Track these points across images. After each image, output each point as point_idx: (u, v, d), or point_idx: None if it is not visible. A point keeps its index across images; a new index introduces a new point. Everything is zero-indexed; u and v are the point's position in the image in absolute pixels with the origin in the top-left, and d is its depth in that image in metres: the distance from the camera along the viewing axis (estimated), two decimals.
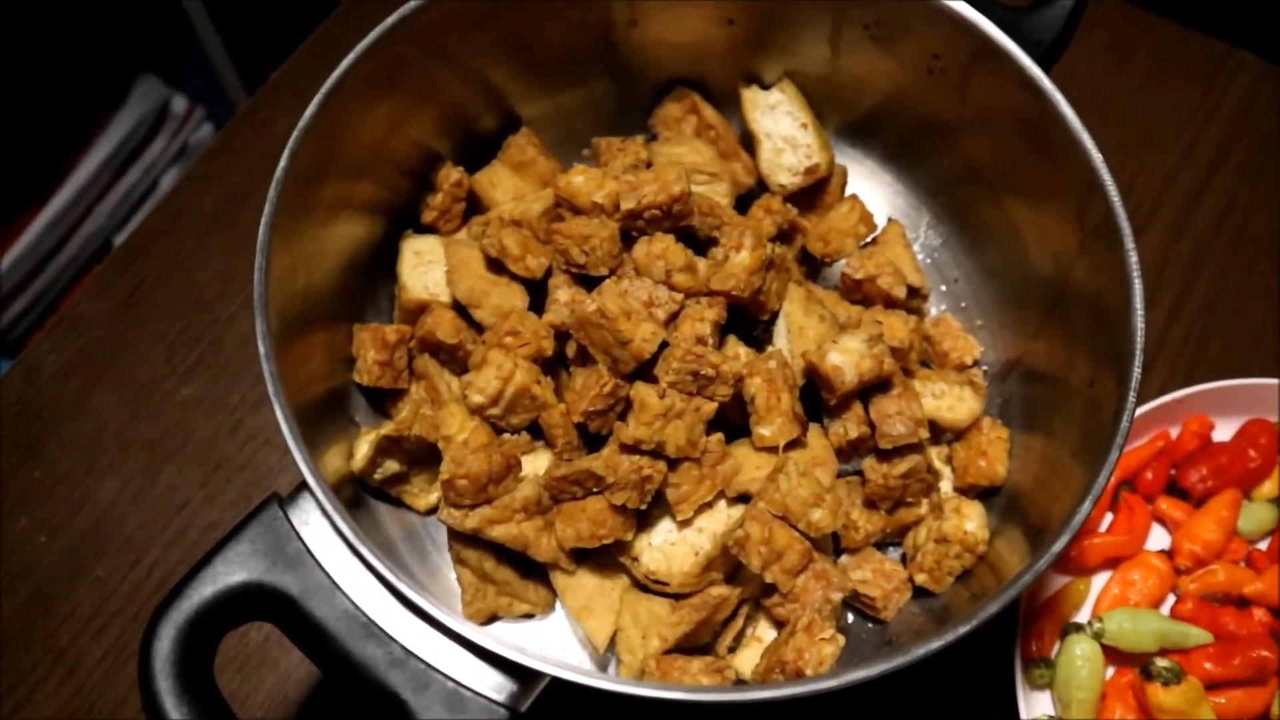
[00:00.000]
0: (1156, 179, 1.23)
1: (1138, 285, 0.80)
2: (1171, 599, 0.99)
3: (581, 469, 0.85)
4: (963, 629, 0.70)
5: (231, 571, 0.71)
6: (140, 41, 1.87)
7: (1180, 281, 1.17)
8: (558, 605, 0.93)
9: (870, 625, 0.94)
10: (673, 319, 0.90)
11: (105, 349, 1.11)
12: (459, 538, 0.90)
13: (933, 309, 1.07)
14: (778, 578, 0.84)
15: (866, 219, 1.02)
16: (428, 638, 0.71)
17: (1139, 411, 1.02)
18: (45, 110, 1.77)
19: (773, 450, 0.89)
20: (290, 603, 0.71)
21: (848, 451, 0.92)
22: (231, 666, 0.97)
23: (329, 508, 0.71)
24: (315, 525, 0.73)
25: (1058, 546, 0.72)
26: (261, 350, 0.75)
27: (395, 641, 0.70)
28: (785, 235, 1.04)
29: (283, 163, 0.82)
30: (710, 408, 0.86)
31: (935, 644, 0.69)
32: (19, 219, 1.75)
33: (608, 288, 0.87)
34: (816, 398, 0.91)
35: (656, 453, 0.85)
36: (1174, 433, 1.05)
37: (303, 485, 0.74)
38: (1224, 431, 1.05)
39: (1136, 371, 0.77)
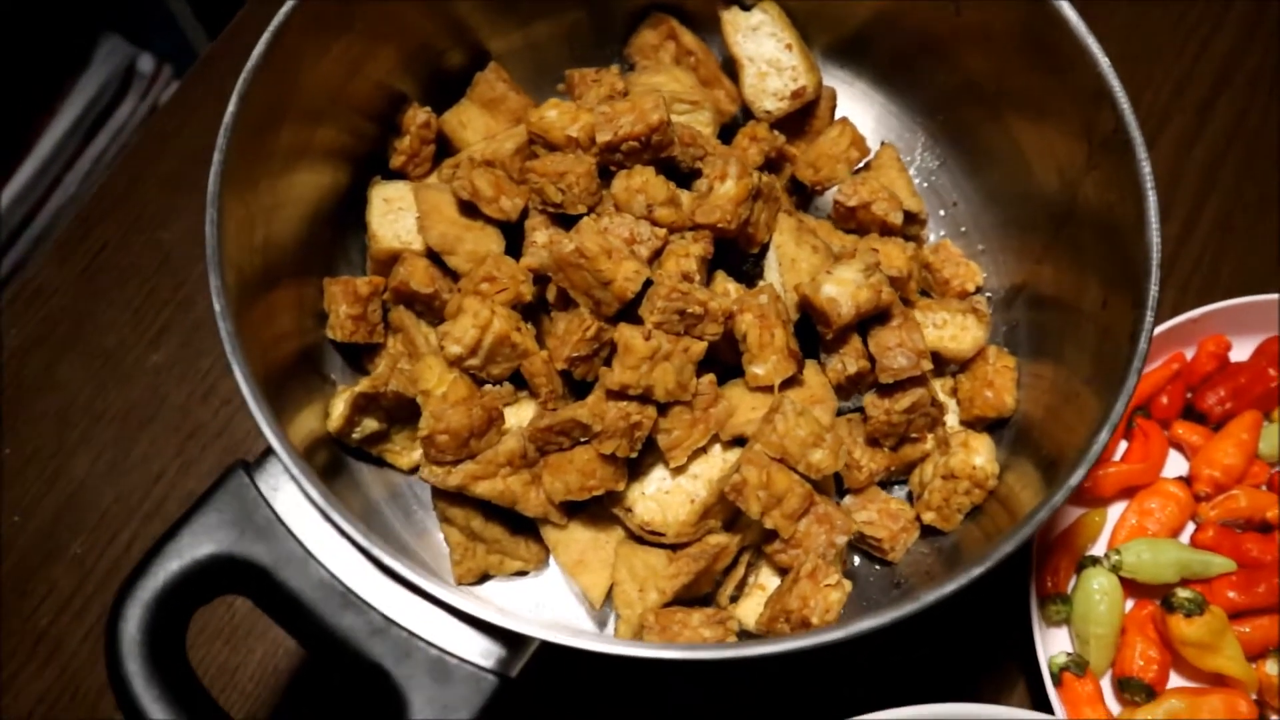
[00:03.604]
0: (1164, 92, 1.17)
1: (1152, 197, 0.75)
2: (1191, 527, 0.95)
3: (566, 418, 0.80)
4: (975, 571, 0.66)
5: (198, 544, 0.67)
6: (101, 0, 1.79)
7: (1191, 198, 1.12)
8: (552, 560, 0.89)
9: (878, 567, 0.90)
10: (656, 256, 0.85)
11: (69, 319, 1.06)
12: (444, 496, 0.86)
13: (931, 235, 1.02)
14: (778, 523, 0.80)
15: (858, 143, 0.97)
16: (409, 604, 0.67)
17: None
18: (4, 77, 1.70)
19: (768, 390, 0.84)
20: (263, 574, 0.67)
21: (847, 388, 0.87)
22: (219, 639, 0.94)
23: (296, 472, 0.66)
24: (285, 491, 0.69)
25: (1074, 480, 0.68)
26: (218, 308, 0.71)
27: (375, 610, 0.66)
28: (773, 164, 0.99)
29: (231, 107, 0.77)
30: (700, 347, 0.81)
31: (946, 589, 0.65)
32: None
33: (586, 225, 0.82)
34: (812, 333, 0.87)
35: (645, 397, 0.80)
36: (1189, 354, 1.00)
37: (270, 450, 0.69)
38: (1241, 351, 1.00)
39: (1154, 289, 0.72)
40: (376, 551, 0.64)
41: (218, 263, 0.72)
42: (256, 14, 1.20)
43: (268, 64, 0.78)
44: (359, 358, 0.95)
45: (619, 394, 0.80)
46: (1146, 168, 0.76)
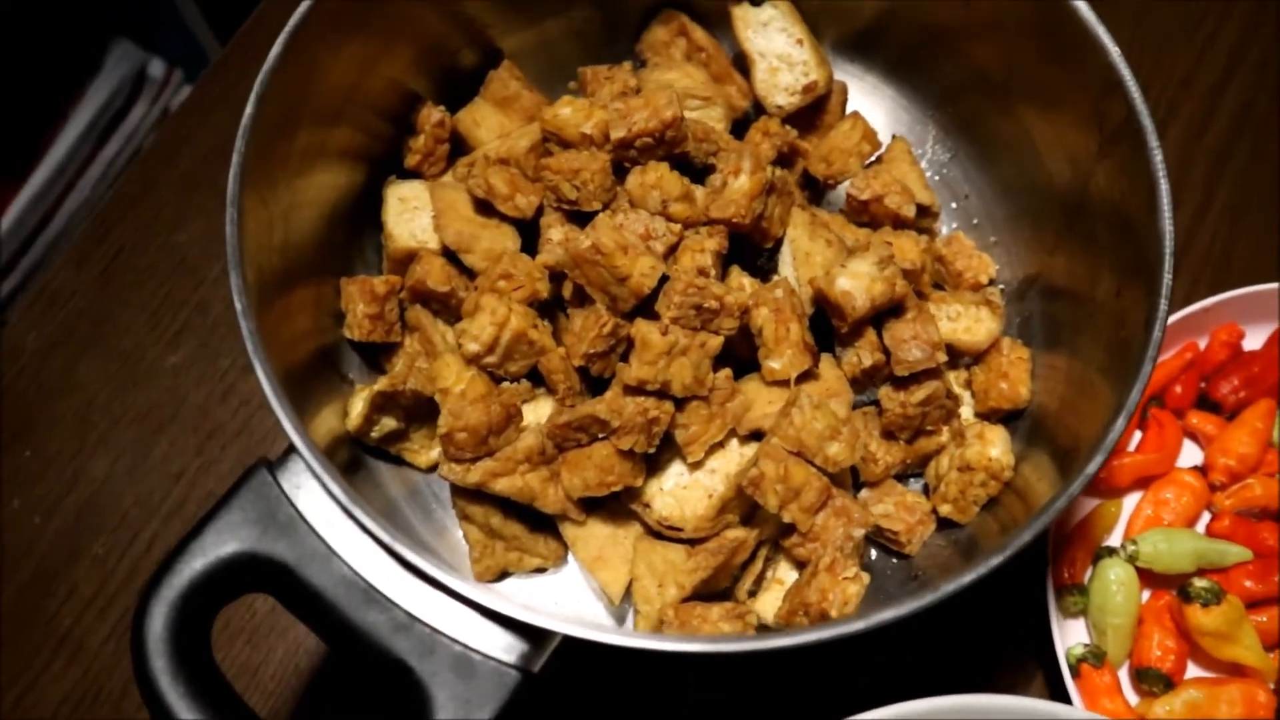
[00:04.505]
0: (1173, 80, 1.17)
1: (1164, 184, 0.75)
2: (1207, 517, 0.95)
3: (585, 414, 0.81)
4: (994, 561, 0.66)
5: (222, 543, 0.68)
6: (111, 5, 1.80)
7: (1202, 185, 1.12)
8: (571, 557, 0.90)
9: (894, 561, 0.90)
10: (671, 251, 0.86)
11: (87, 321, 1.07)
12: (463, 493, 0.86)
13: (943, 228, 1.02)
14: (796, 516, 0.81)
15: (870, 136, 0.97)
16: (432, 600, 0.67)
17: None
18: (17, 83, 1.72)
19: (784, 384, 0.85)
20: (286, 571, 0.68)
21: (863, 381, 0.88)
22: (240, 637, 0.95)
23: (318, 469, 0.67)
24: (308, 489, 0.70)
25: (1091, 468, 0.68)
26: (239, 306, 0.71)
27: (398, 606, 0.67)
28: (785, 159, 0.99)
29: (249, 108, 0.77)
30: (716, 342, 0.82)
31: (965, 578, 0.66)
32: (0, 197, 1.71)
33: (602, 222, 0.82)
34: (827, 326, 0.87)
35: (662, 393, 0.81)
36: (1202, 344, 1.00)
37: (292, 448, 0.70)
38: (1254, 339, 1.00)
39: (1167, 277, 0.72)
40: (399, 547, 0.65)
41: (238, 262, 0.72)
42: (269, 17, 1.21)
43: (284, 65, 0.79)
44: (376, 357, 0.96)
45: (636, 389, 0.81)
46: (1158, 155, 0.76)
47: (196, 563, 0.67)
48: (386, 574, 0.68)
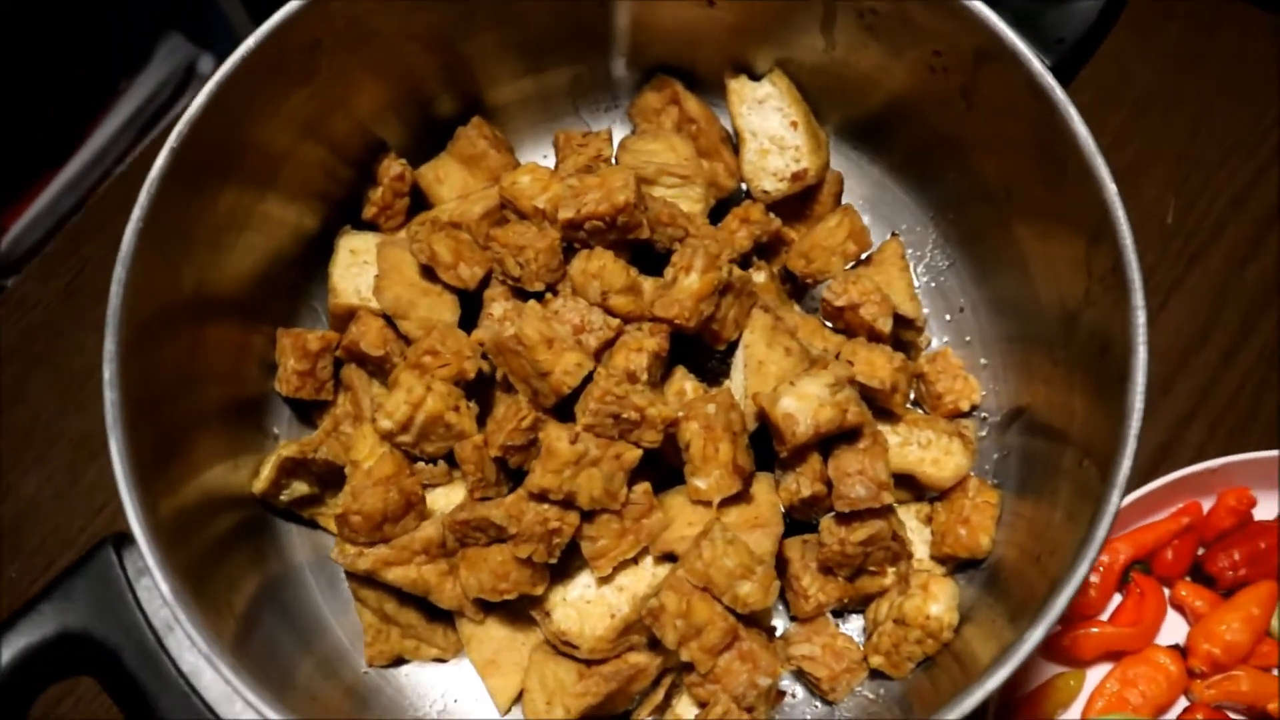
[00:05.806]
0: (1222, 199, 1.06)
1: (1142, 352, 0.66)
2: (1182, 703, 0.84)
3: (481, 516, 0.75)
4: None
5: (52, 621, 0.64)
6: None
7: (1239, 322, 1.01)
8: None
9: (818, 704, 0.83)
10: (608, 346, 0.79)
11: (44, 335, 1.05)
12: (356, 576, 0.81)
13: (934, 339, 0.93)
14: (695, 656, 0.73)
15: (857, 235, 0.89)
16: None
17: (1166, 479, 0.87)
18: (67, 71, 1.73)
19: (709, 504, 0.77)
20: (114, 658, 0.64)
21: (801, 510, 0.80)
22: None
23: (153, 565, 0.62)
24: (150, 577, 0.65)
25: (992, 683, 0.59)
26: (107, 374, 0.67)
27: (218, 718, 0.62)
28: (767, 248, 0.92)
29: (159, 162, 0.73)
30: (633, 455, 0.75)
31: None
32: (39, 181, 1.72)
33: (531, 310, 0.77)
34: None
35: (568, 503, 0.75)
36: (1207, 505, 0.90)
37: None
38: (1267, 509, 0.89)
39: (1125, 464, 0.63)
40: (229, 675, 0.59)
41: (118, 325, 0.68)
42: None
43: (207, 118, 0.75)
44: (309, 412, 0.91)
45: (540, 497, 0.74)
46: (1140, 317, 0.67)
47: (20, 641, 0.63)
48: (217, 683, 0.63)
